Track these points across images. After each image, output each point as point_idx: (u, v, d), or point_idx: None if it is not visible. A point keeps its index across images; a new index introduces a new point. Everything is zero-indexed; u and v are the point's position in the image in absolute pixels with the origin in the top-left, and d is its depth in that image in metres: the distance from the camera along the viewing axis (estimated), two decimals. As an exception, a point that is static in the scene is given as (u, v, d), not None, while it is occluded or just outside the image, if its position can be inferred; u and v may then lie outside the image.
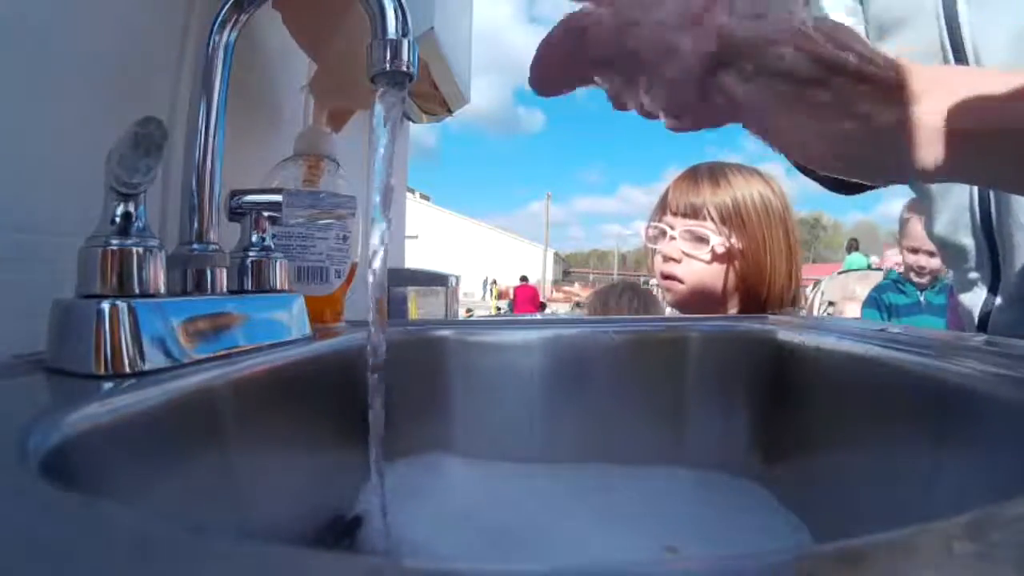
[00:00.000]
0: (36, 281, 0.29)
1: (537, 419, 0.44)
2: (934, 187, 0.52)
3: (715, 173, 0.76)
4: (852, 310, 1.94)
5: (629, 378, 0.45)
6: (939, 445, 0.25)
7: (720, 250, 0.73)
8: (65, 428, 0.17)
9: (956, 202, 0.50)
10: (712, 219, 0.74)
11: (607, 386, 0.45)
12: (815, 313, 1.95)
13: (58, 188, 0.31)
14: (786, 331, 0.42)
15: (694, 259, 0.74)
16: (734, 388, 0.43)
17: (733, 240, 0.73)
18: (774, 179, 0.76)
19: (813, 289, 2.14)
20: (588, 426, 0.44)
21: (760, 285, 0.74)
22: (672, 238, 0.76)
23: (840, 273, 2.08)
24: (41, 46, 0.30)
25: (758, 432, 0.42)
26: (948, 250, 0.53)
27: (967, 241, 0.50)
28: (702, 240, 0.74)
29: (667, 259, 0.76)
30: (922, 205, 0.56)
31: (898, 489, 0.27)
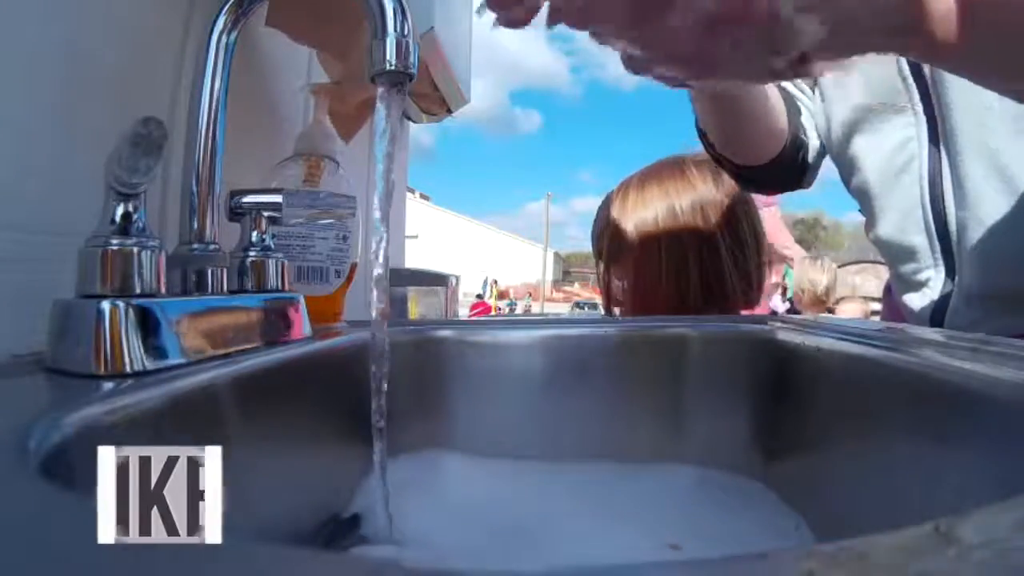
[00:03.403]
0: (36, 281, 0.29)
1: (538, 417, 0.44)
2: (876, 187, 0.51)
3: (626, 190, 0.70)
4: (849, 310, 1.89)
5: (630, 377, 0.45)
6: (939, 444, 0.25)
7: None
8: (65, 428, 0.17)
9: (903, 201, 0.49)
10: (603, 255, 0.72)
11: (608, 385, 0.45)
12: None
13: (58, 188, 0.31)
14: (786, 331, 0.42)
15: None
16: (735, 387, 0.43)
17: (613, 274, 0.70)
18: (706, 178, 0.66)
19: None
20: (589, 424, 0.44)
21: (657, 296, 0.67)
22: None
23: (840, 267, 2.04)
24: (40, 46, 0.30)
25: (759, 431, 0.42)
26: (893, 251, 0.52)
27: (918, 240, 0.48)
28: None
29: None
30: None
31: (898, 488, 0.27)
